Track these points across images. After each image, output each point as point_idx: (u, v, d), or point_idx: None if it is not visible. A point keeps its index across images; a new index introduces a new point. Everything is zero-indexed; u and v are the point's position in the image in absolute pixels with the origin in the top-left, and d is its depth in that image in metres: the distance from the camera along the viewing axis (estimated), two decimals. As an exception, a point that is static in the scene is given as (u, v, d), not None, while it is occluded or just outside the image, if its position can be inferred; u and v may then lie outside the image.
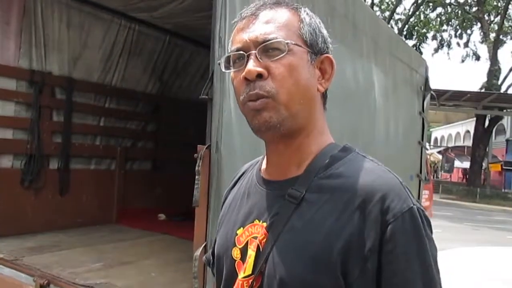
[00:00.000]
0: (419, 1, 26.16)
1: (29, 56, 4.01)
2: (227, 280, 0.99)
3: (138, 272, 3.14)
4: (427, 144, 5.10)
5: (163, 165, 5.50)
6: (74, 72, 4.41)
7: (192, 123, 5.14)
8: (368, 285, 0.81)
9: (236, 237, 0.98)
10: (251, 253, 0.92)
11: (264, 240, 0.91)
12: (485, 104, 21.24)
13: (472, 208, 21.09)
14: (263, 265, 0.89)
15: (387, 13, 27.48)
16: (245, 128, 0.97)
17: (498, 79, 25.93)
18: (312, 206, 0.88)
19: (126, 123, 5.10)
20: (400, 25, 27.51)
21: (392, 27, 24.63)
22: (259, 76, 0.88)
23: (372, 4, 25.51)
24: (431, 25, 28.48)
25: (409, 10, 27.76)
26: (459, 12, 27.84)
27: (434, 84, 4.87)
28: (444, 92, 18.33)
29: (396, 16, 28.47)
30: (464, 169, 30.93)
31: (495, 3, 26.98)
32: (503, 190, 29.11)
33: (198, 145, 2.08)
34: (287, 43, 0.89)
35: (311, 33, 0.94)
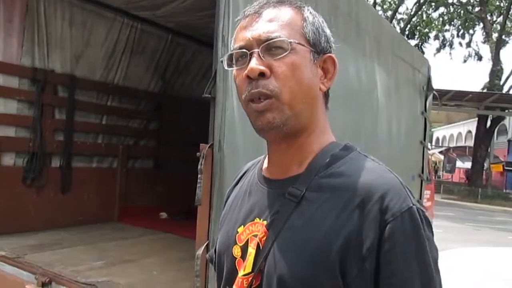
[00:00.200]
0: (422, 1, 26.08)
1: (31, 54, 4.02)
2: (227, 278, 0.99)
3: (140, 270, 3.14)
4: (428, 144, 5.09)
5: (165, 164, 5.51)
6: (76, 70, 4.41)
7: (194, 122, 5.15)
8: (366, 284, 0.81)
9: (237, 235, 0.98)
10: (251, 251, 0.93)
11: (264, 238, 0.91)
12: (487, 104, 21.19)
13: (474, 208, 21.06)
14: (262, 263, 0.89)
15: (389, 13, 27.45)
16: (247, 126, 0.97)
17: (500, 80, 25.88)
18: (312, 205, 0.88)
19: (128, 121, 5.11)
20: (402, 24, 27.46)
21: (394, 26, 24.57)
22: (262, 74, 0.88)
23: (374, 3, 25.46)
24: (433, 24, 28.40)
25: (411, 9, 27.73)
26: (462, 12, 27.77)
27: (436, 84, 4.85)
28: (446, 92, 18.30)
29: (398, 16, 28.47)
30: (467, 170, 30.87)
31: (497, 3, 26.90)
32: (504, 191, 29.04)
33: (200, 144, 2.08)
34: (290, 42, 0.89)
35: (314, 32, 0.94)
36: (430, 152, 5.72)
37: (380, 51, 3.58)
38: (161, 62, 5.25)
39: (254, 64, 0.88)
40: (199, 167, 2.05)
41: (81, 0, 4.28)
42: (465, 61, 35.81)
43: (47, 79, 4.14)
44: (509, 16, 25.45)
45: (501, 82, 25.91)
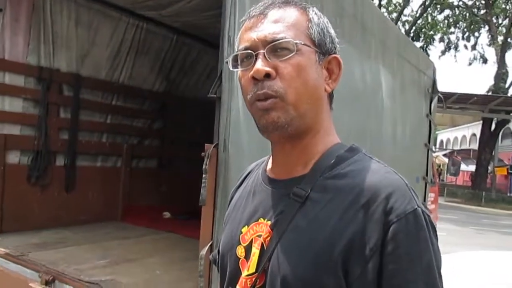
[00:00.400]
0: (427, 3, 26.04)
1: (37, 52, 4.03)
2: (231, 278, 0.99)
3: (143, 269, 3.15)
4: (433, 146, 5.08)
5: (169, 163, 5.52)
6: (81, 70, 4.42)
7: (198, 122, 5.16)
8: (369, 285, 0.80)
9: (241, 235, 0.98)
10: (255, 251, 0.92)
11: (268, 238, 0.91)
12: (492, 107, 21.09)
13: (477, 211, 20.98)
14: (266, 263, 0.89)
15: (394, 15, 27.38)
16: (252, 127, 0.97)
17: (505, 82, 25.80)
18: (316, 205, 0.88)
19: (133, 120, 5.12)
20: (407, 26, 27.40)
21: (399, 28, 24.52)
22: (267, 75, 0.88)
23: (380, 5, 25.42)
24: (438, 27, 28.33)
25: (417, 12, 27.66)
26: (467, 14, 27.70)
27: (441, 87, 4.84)
28: (451, 94, 18.22)
29: (403, 18, 28.39)
30: (472, 173, 30.75)
31: (503, 6, 26.82)
32: (508, 194, 28.95)
33: (205, 144, 2.08)
34: (296, 43, 0.89)
35: (319, 33, 0.94)
36: (434, 154, 5.70)
37: (386, 52, 3.57)
38: (166, 62, 5.26)
39: (260, 65, 0.88)
40: (203, 167, 2.05)
41: (87, -1, 4.30)
42: (470, 63, 35.66)
43: (53, 78, 4.15)
44: (514, 18, 25.37)
45: (506, 85, 25.84)
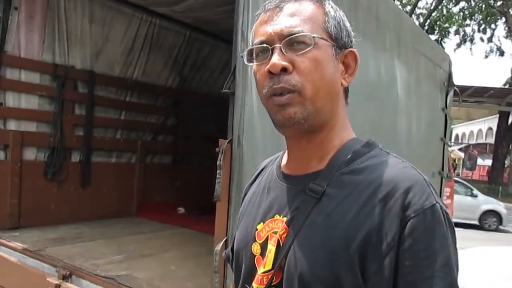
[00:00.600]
0: (442, -5, 25.71)
1: (52, 50, 4.07)
2: (246, 275, 0.98)
3: (158, 264, 3.17)
4: (448, 141, 5.02)
5: (182, 159, 5.55)
6: (96, 66, 4.45)
7: (211, 117, 5.17)
8: (386, 281, 0.79)
9: (256, 232, 0.97)
10: (271, 248, 0.92)
11: (285, 235, 0.90)
12: (509, 100, 20.74)
13: (494, 206, 20.69)
14: (283, 260, 0.89)
15: (408, 8, 27.07)
16: (267, 122, 0.96)
17: (522, 75, 25.38)
18: (333, 201, 0.87)
19: (147, 117, 5.14)
20: (421, 19, 27.06)
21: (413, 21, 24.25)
22: (284, 70, 0.87)
23: (394, -2, 25.17)
24: (453, 19, 27.91)
25: (431, 4, 27.28)
26: (483, 6, 27.22)
27: (456, 80, 4.77)
28: (467, 88, 17.99)
29: (418, 11, 28.03)
30: (488, 167, 30.38)
31: (521, -3, 26.35)
32: (526, 189, 28.51)
33: (220, 139, 2.08)
34: (313, 37, 0.88)
35: (335, 27, 0.93)
36: (449, 149, 5.64)
37: (401, 46, 3.53)
38: (179, 57, 5.27)
39: (277, 59, 0.87)
40: (218, 162, 2.05)
41: (101, -4, 4.32)
42: (486, 56, 35.06)
43: (68, 75, 4.19)
44: (532, 10, 24.91)
45: (524, 78, 25.41)
